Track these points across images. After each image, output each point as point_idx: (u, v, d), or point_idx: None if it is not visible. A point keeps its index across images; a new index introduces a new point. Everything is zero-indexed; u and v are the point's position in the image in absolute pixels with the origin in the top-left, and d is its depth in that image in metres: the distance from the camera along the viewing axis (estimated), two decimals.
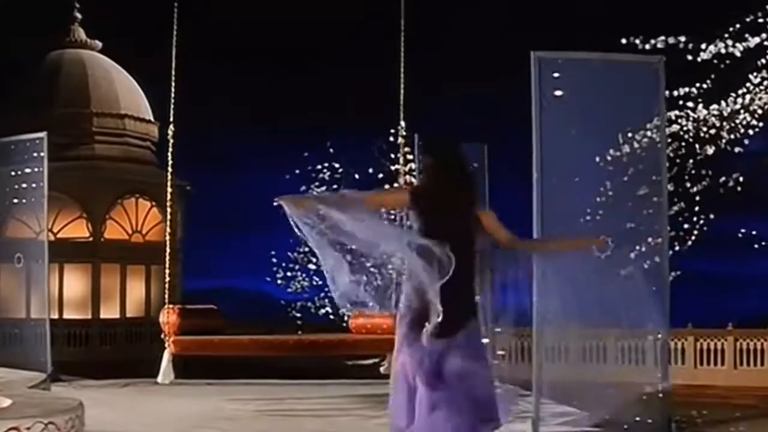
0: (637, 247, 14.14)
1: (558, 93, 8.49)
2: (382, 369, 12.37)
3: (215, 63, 29.08)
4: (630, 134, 14.03)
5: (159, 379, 11.83)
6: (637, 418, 9.11)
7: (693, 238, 18.96)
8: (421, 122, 13.70)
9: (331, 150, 19.64)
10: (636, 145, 15.11)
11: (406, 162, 18.72)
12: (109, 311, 25.24)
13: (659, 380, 9.49)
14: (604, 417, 9.14)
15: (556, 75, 8.48)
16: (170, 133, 13.00)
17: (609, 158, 11.38)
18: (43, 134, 13.21)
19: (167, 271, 12.86)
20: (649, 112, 10.58)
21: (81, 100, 26.51)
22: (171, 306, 12.56)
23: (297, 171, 19.97)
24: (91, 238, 25.31)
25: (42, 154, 13.18)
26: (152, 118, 27.24)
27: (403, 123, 12.70)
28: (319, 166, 19.61)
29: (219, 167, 29.18)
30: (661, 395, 9.05)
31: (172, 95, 12.89)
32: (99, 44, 28.02)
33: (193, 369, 12.75)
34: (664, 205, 9.33)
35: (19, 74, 26.55)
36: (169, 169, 13.06)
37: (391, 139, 18.43)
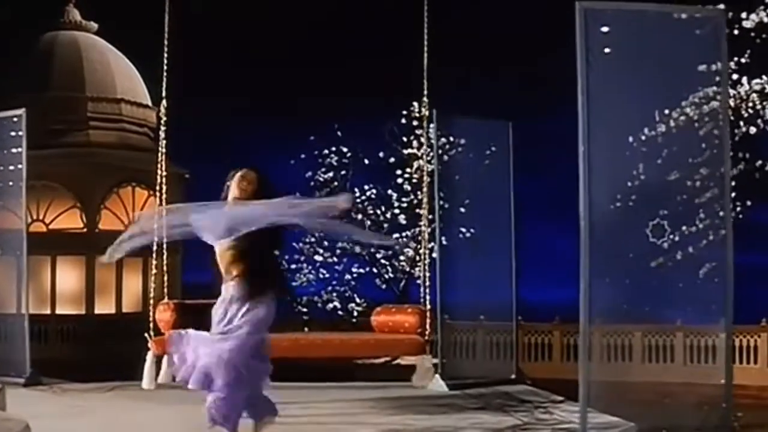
0: (671, 237, 13.14)
1: (607, 50, 7.36)
2: (414, 379, 11.27)
3: (215, 46, 28.06)
4: (666, 111, 12.97)
5: (144, 384, 10.72)
6: None
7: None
8: (437, 100, 12.52)
9: (339, 133, 18.58)
10: (672, 123, 13.99)
11: (420, 145, 17.74)
12: (105, 306, 24.28)
13: (722, 385, 8.39)
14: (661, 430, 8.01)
15: (604, 29, 7.35)
16: (162, 110, 11.80)
17: (652, 133, 10.45)
18: (21, 111, 12.15)
19: (154, 262, 11.70)
20: (706, 76, 9.58)
21: (75, 83, 25.50)
22: (166, 302, 11.40)
23: (302, 156, 19.01)
24: (85, 229, 24.32)
25: (20, 133, 12.11)
26: (150, 103, 26.41)
27: (426, 100, 11.46)
28: (326, 151, 18.57)
29: (220, 154, 28.15)
30: (724, 405, 7.90)
31: (165, 67, 11.69)
32: (95, 26, 27.08)
33: None
34: (726, 185, 8.24)
35: (10, 57, 25.53)
36: (162, 149, 11.87)
37: (404, 121, 17.38)
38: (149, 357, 10.86)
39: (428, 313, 11.38)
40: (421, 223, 17.91)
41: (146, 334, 10.91)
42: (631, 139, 14.75)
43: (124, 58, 26.84)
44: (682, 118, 15.12)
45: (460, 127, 12.54)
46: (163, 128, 11.86)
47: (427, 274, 11.57)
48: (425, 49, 11.61)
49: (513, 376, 12.11)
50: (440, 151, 17.52)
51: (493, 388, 11.32)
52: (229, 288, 7.04)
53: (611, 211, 13.42)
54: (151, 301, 11.54)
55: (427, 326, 11.30)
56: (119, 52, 26.87)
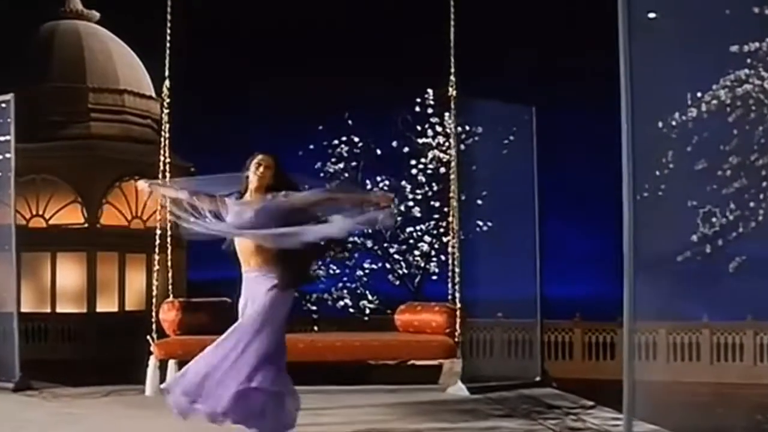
0: (702, 229, 12.47)
1: (651, 15, 6.65)
2: (441, 382, 10.46)
3: (221, 35, 27.49)
4: (699, 94, 12.36)
5: (148, 392, 10.00)
6: None
7: (759, 218, 17.20)
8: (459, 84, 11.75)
9: (350, 122, 17.87)
10: (704, 108, 13.31)
11: (435, 135, 17.09)
12: (107, 304, 23.86)
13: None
14: None
15: None
16: (165, 90, 10.97)
17: (683, 118, 9.81)
18: (9, 96, 11.52)
19: (157, 258, 10.98)
20: (739, 57, 8.92)
21: (76, 74, 25.25)
22: (171, 300, 10.62)
23: (311, 146, 18.32)
24: (86, 225, 23.90)
25: (9, 119, 11.46)
26: (154, 94, 26.00)
27: (453, 79, 10.66)
28: (336, 141, 17.89)
29: (224, 145, 27.53)
30: None
31: (168, 44, 10.89)
32: (96, 15, 26.86)
33: None
34: None
35: (10, 46, 25.03)
36: (165, 134, 11.03)
37: (417, 109, 16.72)
38: (152, 362, 10.10)
39: (458, 312, 10.53)
40: (437, 216, 17.39)
41: (148, 337, 10.15)
42: (660, 124, 14.06)
43: (126, 48, 26.48)
44: (714, 102, 14.42)
45: (480, 112, 11.78)
46: (166, 110, 11.04)
47: (457, 270, 10.80)
48: (452, 25, 10.80)
49: (538, 378, 11.36)
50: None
51: (517, 391, 10.58)
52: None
53: (637, 202, 12.64)
54: (154, 300, 10.77)
55: (457, 326, 10.45)
56: (122, 42, 26.51)
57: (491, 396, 10.16)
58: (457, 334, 10.32)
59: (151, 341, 10.01)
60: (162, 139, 11.06)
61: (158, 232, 10.99)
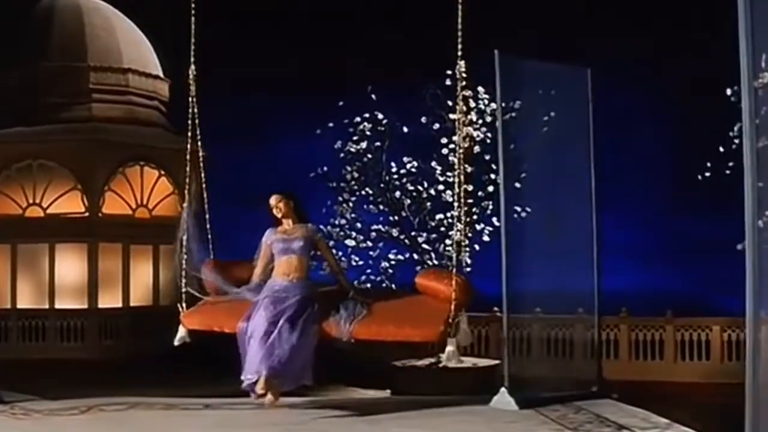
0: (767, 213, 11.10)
1: None
2: (450, 358, 8.55)
3: (228, 11, 26.63)
4: None
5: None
6: None
7: None
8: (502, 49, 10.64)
9: (373, 96, 16.81)
10: None
11: (469, 110, 16.00)
12: (110, 299, 23.07)
13: None
14: None
15: None
16: (191, 75, 9.95)
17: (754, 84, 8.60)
18: None
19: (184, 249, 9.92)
20: None
21: (76, 52, 24.41)
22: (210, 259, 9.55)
23: (330, 124, 17.23)
24: (87, 214, 23.10)
25: None
26: (161, 74, 25.34)
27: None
28: (358, 119, 16.82)
29: (237, 128, 26.67)
30: None
31: (192, 25, 9.87)
32: None
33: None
34: None
35: (5, 23, 24.22)
36: (194, 115, 9.99)
37: (448, 82, 15.59)
38: (181, 330, 9.08)
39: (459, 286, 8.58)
40: (470, 201, 16.33)
41: (178, 305, 9.11)
42: (729, 91, 12.64)
43: (131, 24, 25.76)
44: None
45: (522, 75, 10.59)
46: (192, 93, 9.95)
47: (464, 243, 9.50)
48: None
49: (595, 389, 10.17)
50: (490, 118, 15.81)
51: (573, 404, 9.33)
52: None
53: (697, 182, 11.61)
54: (182, 283, 9.61)
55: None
56: (126, 18, 25.74)
57: (545, 411, 8.92)
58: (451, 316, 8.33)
59: (180, 310, 9.19)
60: (189, 130, 10.08)
61: (184, 217, 9.86)
